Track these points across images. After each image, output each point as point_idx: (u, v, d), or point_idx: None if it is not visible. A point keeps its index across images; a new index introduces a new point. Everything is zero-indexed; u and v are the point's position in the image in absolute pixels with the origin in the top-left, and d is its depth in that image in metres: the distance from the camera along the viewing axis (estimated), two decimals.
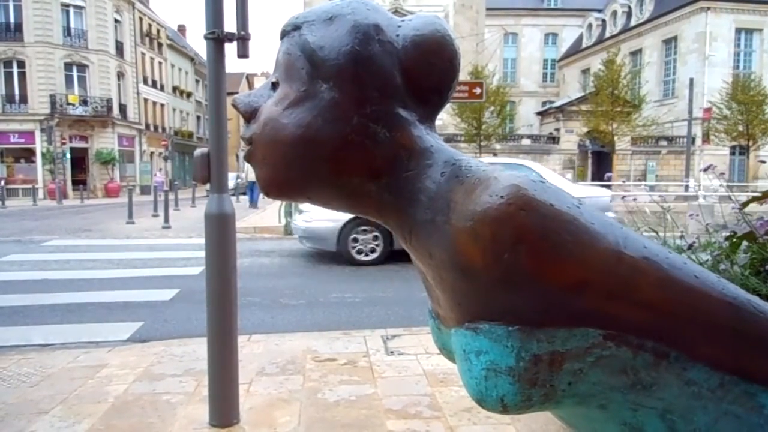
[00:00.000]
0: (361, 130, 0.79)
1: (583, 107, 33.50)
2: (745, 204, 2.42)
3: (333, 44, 0.79)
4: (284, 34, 0.85)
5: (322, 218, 8.45)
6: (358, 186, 0.82)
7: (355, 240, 8.50)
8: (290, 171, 0.82)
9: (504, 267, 0.67)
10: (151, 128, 40.49)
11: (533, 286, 0.67)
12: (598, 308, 0.69)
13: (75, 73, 32.79)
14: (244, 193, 28.97)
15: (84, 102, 32.52)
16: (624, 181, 30.44)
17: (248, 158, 0.87)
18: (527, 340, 0.69)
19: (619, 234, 0.70)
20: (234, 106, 0.89)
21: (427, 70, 0.82)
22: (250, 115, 0.86)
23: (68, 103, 31.76)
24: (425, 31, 0.82)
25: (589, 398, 0.74)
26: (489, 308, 0.70)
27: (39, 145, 31.32)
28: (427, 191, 0.78)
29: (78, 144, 32.62)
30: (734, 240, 2.24)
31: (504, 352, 0.69)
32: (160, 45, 43.28)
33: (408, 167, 0.81)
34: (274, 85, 0.86)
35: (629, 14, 41.37)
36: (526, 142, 36.22)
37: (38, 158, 31.48)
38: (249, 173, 27.43)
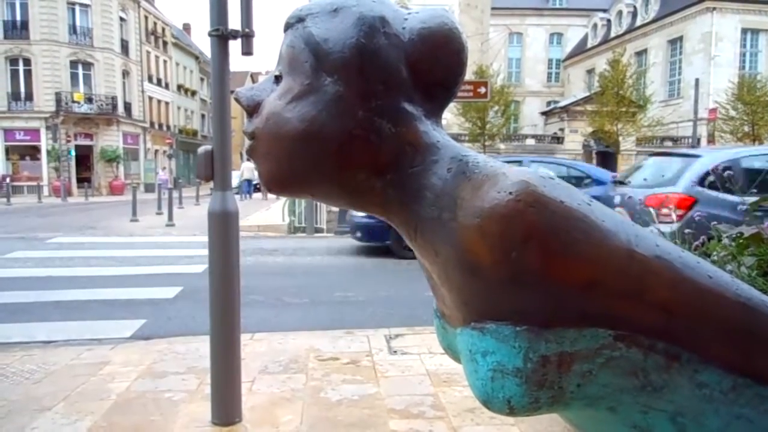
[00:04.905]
0: (366, 125, 0.77)
1: (588, 107, 33.35)
2: (754, 205, 2.40)
3: (338, 37, 0.77)
4: (288, 27, 0.83)
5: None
6: (363, 182, 0.81)
7: None
8: (293, 166, 0.80)
9: (512, 265, 0.65)
10: (156, 126, 40.57)
11: (542, 285, 0.66)
12: (608, 308, 0.67)
13: (80, 71, 32.87)
14: (238, 193, 29.15)
15: (89, 100, 32.58)
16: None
17: (251, 153, 0.86)
18: (535, 341, 0.67)
19: (631, 232, 0.68)
20: (236, 99, 0.88)
21: (434, 63, 0.80)
22: (252, 109, 0.85)
23: (73, 101, 31.83)
24: (432, 24, 0.80)
25: (598, 400, 0.72)
26: (496, 307, 0.69)
27: (44, 143, 31.40)
28: (433, 187, 0.76)
29: (83, 142, 32.71)
30: (741, 241, 2.21)
31: (511, 353, 0.68)
32: (165, 43, 43.35)
33: (413, 163, 0.79)
34: (278, 79, 0.84)
35: (634, 14, 41.21)
36: (530, 141, 36.11)
37: (43, 156, 31.56)
38: (244, 172, 27.78)
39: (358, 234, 9.14)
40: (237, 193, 27.97)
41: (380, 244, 8.95)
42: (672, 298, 0.68)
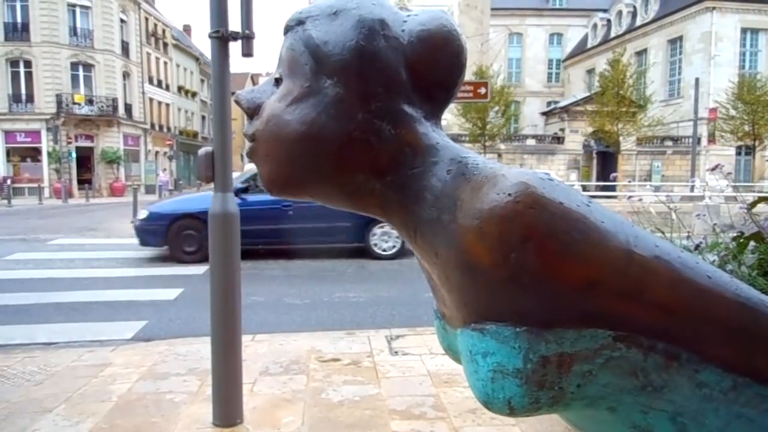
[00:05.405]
0: (366, 127, 0.78)
1: (588, 107, 33.34)
2: (753, 204, 2.40)
3: (337, 39, 0.78)
4: (288, 30, 0.84)
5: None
6: (362, 183, 0.81)
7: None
8: (293, 168, 0.81)
9: (511, 266, 0.65)
10: (156, 128, 40.58)
11: (541, 286, 0.66)
12: (607, 308, 0.67)
13: (81, 73, 32.88)
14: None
15: (90, 101, 32.60)
16: (629, 182, 30.36)
17: (251, 155, 0.86)
18: (535, 341, 0.67)
19: (630, 233, 0.68)
20: (236, 102, 0.88)
21: (433, 65, 0.81)
22: (252, 111, 0.85)
23: (74, 103, 31.85)
24: (431, 26, 0.81)
25: (598, 401, 0.72)
26: (496, 308, 0.69)
27: (45, 145, 31.42)
28: (433, 189, 0.77)
29: (83, 143, 32.73)
30: (742, 240, 2.21)
31: (511, 354, 0.68)
32: (165, 45, 43.37)
33: (413, 165, 0.80)
34: (278, 81, 0.85)
35: (634, 14, 41.22)
36: (530, 142, 36.10)
37: (44, 157, 31.57)
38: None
39: (138, 239, 8.91)
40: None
41: (159, 249, 8.82)
42: (671, 298, 0.68)
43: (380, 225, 8.88)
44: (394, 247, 8.96)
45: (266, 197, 8.78)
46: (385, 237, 8.96)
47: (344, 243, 9.02)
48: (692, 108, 29.27)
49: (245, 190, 8.78)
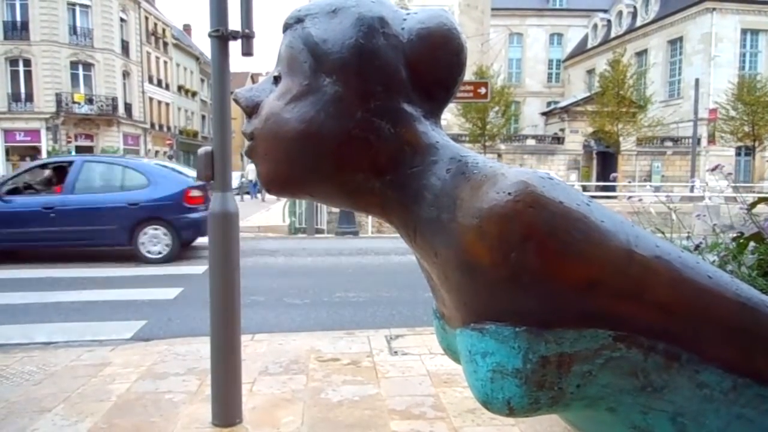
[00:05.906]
0: (365, 126, 0.77)
1: (589, 108, 33.33)
2: (753, 204, 2.39)
3: (336, 37, 0.77)
4: (287, 27, 0.83)
5: None
6: (362, 182, 0.81)
7: None
8: (292, 167, 0.81)
9: (511, 266, 0.65)
10: (156, 127, 40.58)
11: (541, 286, 0.66)
12: (608, 308, 0.67)
13: (81, 72, 32.89)
14: (248, 193, 29.21)
15: (89, 101, 32.60)
16: (629, 182, 30.37)
17: (249, 154, 0.86)
18: (535, 341, 0.67)
19: (630, 232, 0.68)
20: (235, 100, 0.88)
21: (433, 64, 0.80)
22: (251, 109, 0.85)
23: (74, 102, 31.85)
24: (431, 24, 0.80)
25: (598, 401, 0.72)
26: (495, 308, 0.69)
27: (45, 144, 31.41)
28: (433, 188, 0.76)
29: (83, 143, 32.71)
30: (741, 241, 2.21)
31: (511, 354, 0.68)
32: (165, 44, 43.37)
33: (413, 164, 0.79)
34: (276, 80, 0.84)
35: (635, 15, 41.22)
36: (530, 142, 36.08)
37: (44, 156, 31.57)
38: (249, 174, 27.82)
39: None
40: (237, 194, 28.25)
41: (165, 251, 8.70)
42: (672, 298, 0.68)
43: (153, 227, 8.54)
44: (163, 251, 8.60)
45: (32, 199, 8.69)
46: (154, 240, 8.60)
47: (110, 245, 8.75)
48: (692, 108, 29.26)
49: (14, 192, 8.63)
